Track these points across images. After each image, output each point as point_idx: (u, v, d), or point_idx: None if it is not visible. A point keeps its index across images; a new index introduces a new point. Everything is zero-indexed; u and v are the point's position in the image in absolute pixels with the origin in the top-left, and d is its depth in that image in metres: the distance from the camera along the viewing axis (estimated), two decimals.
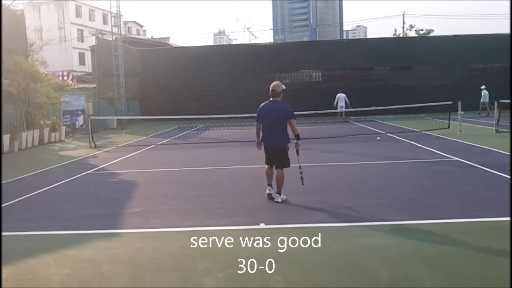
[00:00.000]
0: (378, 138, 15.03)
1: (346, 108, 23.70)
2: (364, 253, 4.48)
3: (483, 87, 24.38)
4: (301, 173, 6.82)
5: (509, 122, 14.63)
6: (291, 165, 6.81)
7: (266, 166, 6.92)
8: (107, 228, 5.70)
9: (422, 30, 45.39)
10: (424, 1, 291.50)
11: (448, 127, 15.62)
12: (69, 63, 48.83)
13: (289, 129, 6.79)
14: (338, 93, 24.53)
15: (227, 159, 11.82)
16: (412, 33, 45.58)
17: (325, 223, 5.56)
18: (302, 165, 6.87)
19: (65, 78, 22.26)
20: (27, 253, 4.85)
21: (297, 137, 6.68)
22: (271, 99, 6.78)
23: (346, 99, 24.18)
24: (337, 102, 23.97)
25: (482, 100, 24.17)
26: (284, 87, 6.84)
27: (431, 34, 42.23)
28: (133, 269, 4.28)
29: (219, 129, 20.55)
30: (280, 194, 6.71)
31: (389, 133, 16.41)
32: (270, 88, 6.79)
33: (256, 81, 28.19)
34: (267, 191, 6.90)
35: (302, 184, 6.88)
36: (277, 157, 6.76)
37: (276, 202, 6.62)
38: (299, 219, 5.83)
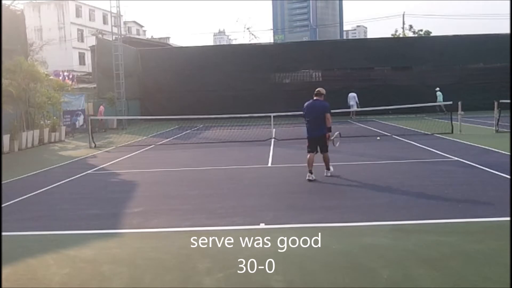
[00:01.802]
0: (378, 138, 15.02)
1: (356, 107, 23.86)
2: (364, 253, 4.48)
3: (437, 88, 24.55)
4: (332, 139, 8.39)
5: (509, 122, 14.63)
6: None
7: (309, 154, 8.26)
8: (107, 228, 5.70)
9: (421, 30, 45.45)
10: (424, 1, 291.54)
11: (452, 132, 15.33)
12: (69, 63, 48.81)
13: None
14: (349, 92, 24.82)
15: (227, 159, 11.82)
16: (410, 34, 45.65)
17: (325, 223, 5.56)
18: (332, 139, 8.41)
19: (67, 79, 22.20)
20: (27, 253, 4.85)
21: (329, 129, 8.19)
22: (314, 98, 8.31)
23: (356, 99, 24.44)
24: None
25: (438, 99, 24.25)
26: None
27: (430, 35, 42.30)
28: (133, 269, 4.28)
29: (219, 129, 20.56)
30: (328, 169, 8.48)
31: (389, 133, 16.41)
32: (316, 90, 8.43)
33: (256, 81, 28.25)
34: (307, 177, 8.12)
35: (334, 145, 8.64)
36: (320, 144, 8.29)
37: (326, 176, 8.35)
38: (299, 219, 5.82)
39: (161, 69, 28.79)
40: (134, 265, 4.37)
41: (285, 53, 29.56)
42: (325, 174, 8.43)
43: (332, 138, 8.48)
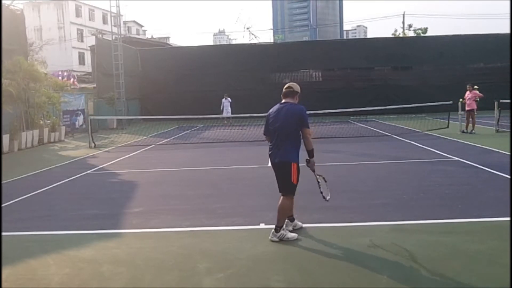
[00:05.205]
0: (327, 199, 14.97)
1: None
2: (364, 253, 4.48)
3: None
4: (319, 186, 5.17)
5: (509, 122, 14.64)
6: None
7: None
8: (107, 228, 5.70)
9: (420, 29, 45.53)
10: (425, 0, 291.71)
11: (448, 127, 15.62)
12: (69, 63, 48.83)
13: None
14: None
15: (227, 159, 11.81)
16: (410, 33, 45.72)
17: (325, 223, 5.56)
18: (318, 175, 5.23)
19: (70, 78, 22.18)
20: (27, 253, 4.85)
21: (310, 153, 4.96)
22: (283, 101, 5.08)
23: None
24: None
25: None
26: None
27: (428, 33, 42.38)
28: (133, 269, 4.28)
29: (219, 129, 20.55)
30: (277, 231, 4.89)
31: (389, 133, 16.41)
32: (285, 87, 5.12)
33: (256, 81, 28.26)
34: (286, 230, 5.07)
35: (326, 200, 5.14)
36: (279, 178, 5.02)
37: (272, 241, 4.88)
38: (299, 219, 5.80)
39: (161, 69, 28.79)
40: (134, 265, 4.37)
41: (285, 53, 29.54)
42: (270, 237, 4.91)
43: (318, 177, 5.17)
